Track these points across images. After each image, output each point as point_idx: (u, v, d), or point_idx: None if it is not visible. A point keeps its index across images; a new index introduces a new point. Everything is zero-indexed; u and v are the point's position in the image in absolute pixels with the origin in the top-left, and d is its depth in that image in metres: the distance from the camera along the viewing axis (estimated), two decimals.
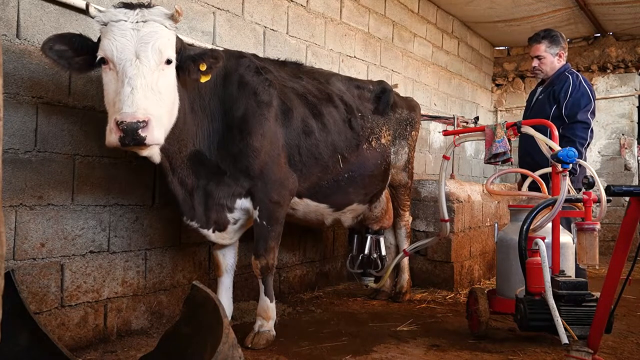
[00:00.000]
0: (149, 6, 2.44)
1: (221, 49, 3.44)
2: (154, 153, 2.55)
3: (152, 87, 2.31)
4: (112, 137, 2.23)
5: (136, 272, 3.16)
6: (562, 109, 3.67)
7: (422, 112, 4.94)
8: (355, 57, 5.15)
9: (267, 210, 2.96)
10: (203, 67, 2.57)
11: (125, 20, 2.34)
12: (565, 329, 2.43)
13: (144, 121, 2.20)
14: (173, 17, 2.43)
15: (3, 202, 2.39)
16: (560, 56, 3.85)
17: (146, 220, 3.22)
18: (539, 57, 3.88)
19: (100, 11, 2.41)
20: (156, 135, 2.28)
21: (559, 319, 2.45)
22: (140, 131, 2.19)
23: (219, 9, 3.69)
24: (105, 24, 2.37)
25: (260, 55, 3.70)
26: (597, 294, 2.42)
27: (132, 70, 2.28)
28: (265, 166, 2.93)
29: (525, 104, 4.30)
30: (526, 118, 3.90)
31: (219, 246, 3.20)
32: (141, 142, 2.22)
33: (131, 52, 2.30)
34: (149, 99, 2.28)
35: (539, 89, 3.99)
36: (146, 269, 3.22)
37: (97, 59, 2.37)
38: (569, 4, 6.32)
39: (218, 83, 2.89)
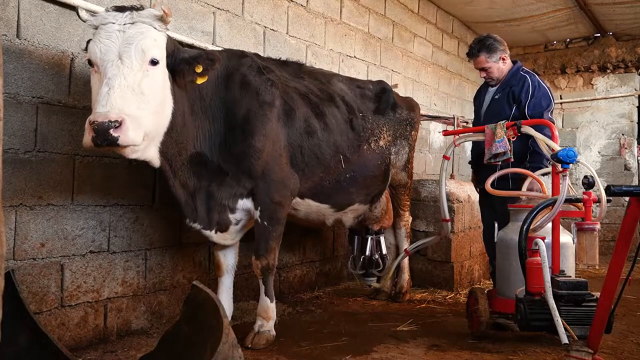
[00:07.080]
0: (140, 8, 2.44)
1: (221, 48, 3.45)
2: (152, 157, 2.54)
3: (132, 88, 2.28)
4: (86, 137, 2.20)
5: (136, 272, 3.16)
6: (524, 109, 3.57)
7: (422, 112, 4.93)
8: (355, 57, 5.15)
9: (269, 210, 2.96)
10: (199, 69, 2.55)
11: (114, 23, 2.34)
12: (565, 329, 2.44)
13: (116, 121, 2.16)
14: (162, 19, 2.41)
15: (3, 202, 2.39)
16: (503, 59, 3.73)
17: (146, 220, 3.22)
18: (484, 69, 3.77)
19: (93, 14, 2.42)
20: (131, 136, 2.21)
21: (559, 319, 2.45)
22: (112, 131, 2.15)
23: (219, 9, 3.69)
24: (96, 27, 2.38)
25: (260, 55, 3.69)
26: (597, 294, 2.42)
27: (112, 71, 2.27)
28: (267, 166, 2.92)
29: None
30: (481, 118, 3.81)
31: (220, 246, 3.20)
32: (114, 143, 2.17)
33: (114, 54, 2.30)
34: (126, 99, 2.24)
35: (492, 89, 3.84)
36: (146, 269, 3.22)
37: (87, 60, 2.39)
38: (569, 4, 6.32)
39: (220, 83, 2.88)
